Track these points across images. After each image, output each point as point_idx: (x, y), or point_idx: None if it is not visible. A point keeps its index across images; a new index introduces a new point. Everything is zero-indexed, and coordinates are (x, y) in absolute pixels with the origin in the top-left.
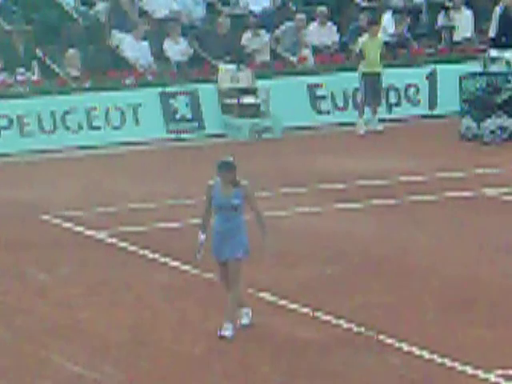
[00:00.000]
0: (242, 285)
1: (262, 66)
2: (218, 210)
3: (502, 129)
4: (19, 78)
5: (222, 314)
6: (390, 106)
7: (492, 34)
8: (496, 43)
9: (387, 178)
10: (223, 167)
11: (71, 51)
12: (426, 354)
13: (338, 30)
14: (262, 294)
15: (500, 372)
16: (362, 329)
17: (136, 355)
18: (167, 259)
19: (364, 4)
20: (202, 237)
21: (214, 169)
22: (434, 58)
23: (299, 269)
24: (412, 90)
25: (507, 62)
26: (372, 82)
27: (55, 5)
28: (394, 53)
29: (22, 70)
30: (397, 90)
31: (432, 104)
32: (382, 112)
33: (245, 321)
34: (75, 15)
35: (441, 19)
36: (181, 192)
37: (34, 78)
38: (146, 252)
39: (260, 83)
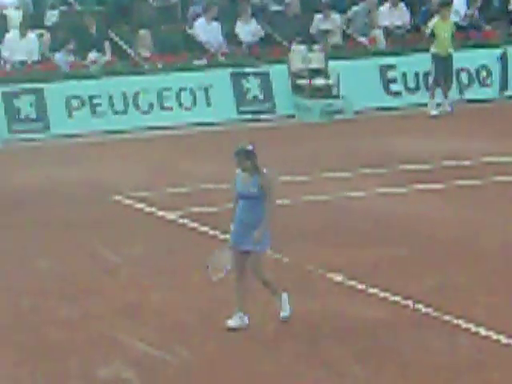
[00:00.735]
0: (312, 266)
1: (334, 47)
2: (239, 199)
3: None
4: (91, 58)
5: (291, 295)
6: (461, 88)
7: None
8: None
9: (459, 159)
10: (239, 154)
11: (143, 32)
12: (493, 335)
13: (410, 12)
14: (332, 275)
15: None
16: (432, 310)
17: (206, 336)
18: None
19: None
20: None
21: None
22: (506, 40)
23: (371, 250)
24: (483, 72)
25: None
26: (443, 63)
27: None
28: (466, 34)
29: (93, 50)
30: (468, 71)
31: (503, 86)
32: (453, 93)
33: (284, 313)
34: None
35: None
36: None
37: (106, 58)
38: (217, 233)
39: (331, 64)
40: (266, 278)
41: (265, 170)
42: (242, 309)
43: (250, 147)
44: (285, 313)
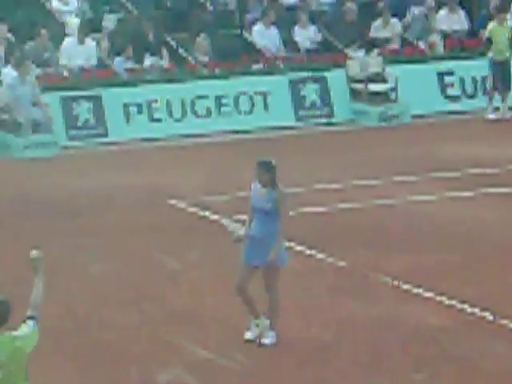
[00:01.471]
0: (371, 271)
1: (392, 53)
2: (253, 213)
3: None
4: (149, 64)
5: (350, 300)
6: None
7: None
8: None
9: None
10: (260, 166)
11: (200, 37)
12: None
13: (468, 16)
14: (389, 280)
15: None
16: (492, 315)
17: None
18: (294, 244)
19: None
20: (241, 232)
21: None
22: None
23: (430, 255)
24: None
25: None
26: (501, 68)
27: None
28: None
29: (151, 56)
30: None
31: None
32: (511, 99)
33: (268, 340)
34: (204, 1)
35: None
36: (310, 178)
37: (164, 64)
38: None
39: (389, 69)
40: (277, 295)
41: (280, 186)
42: (257, 316)
43: (271, 161)
44: (269, 339)
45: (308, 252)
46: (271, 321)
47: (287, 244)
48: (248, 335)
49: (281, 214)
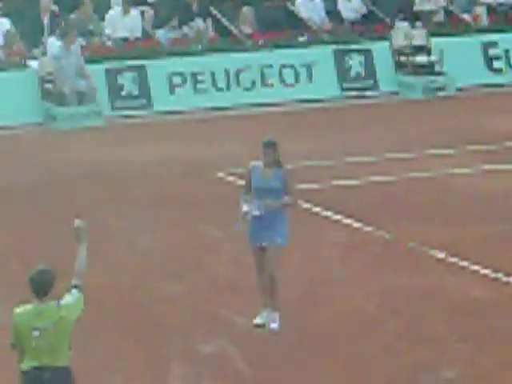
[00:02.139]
0: (415, 243)
1: (436, 25)
2: (256, 194)
3: None
4: (193, 35)
5: (393, 271)
6: None
7: None
8: None
9: None
10: (270, 144)
11: (245, 9)
12: None
13: None
14: (435, 252)
15: None
16: None
17: (308, 312)
18: (341, 217)
19: None
20: (245, 207)
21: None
22: None
23: (473, 227)
24: None
25: None
26: None
27: None
28: None
29: (196, 27)
30: None
31: None
32: None
33: (274, 325)
34: None
35: None
36: (355, 150)
37: (209, 35)
38: (320, 209)
39: (434, 41)
40: (277, 275)
41: (285, 165)
42: (268, 305)
43: (273, 138)
44: (275, 324)
45: (354, 225)
46: (275, 302)
47: (337, 217)
48: (257, 320)
49: (292, 192)
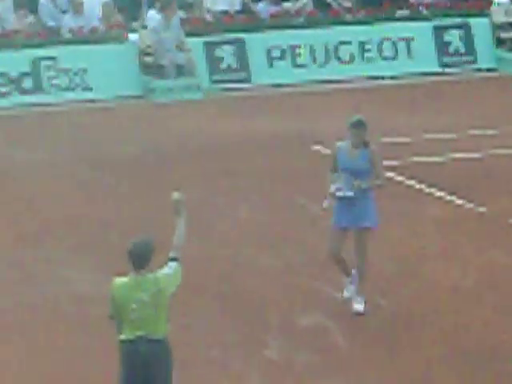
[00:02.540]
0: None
1: None
2: (345, 175)
3: None
4: (292, 8)
5: (492, 247)
6: None
7: None
8: None
9: None
10: (360, 125)
11: None
12: None
13: None
14: None
15: None
16: None
17: (405, 286)
18: (440, 192)
19: None
20: (333, 187)
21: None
22: None
23: None
24: None
25: None
26: None
27: None
28: None
29: (295, 1)
30: None
31: None
32: None
33: (360, 306)
34: None
35: None
36: (451, 126)
37: (308, 9)
38: (419, 184)
39: None
40: (367, 259)
41: (372, 144)
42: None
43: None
44: (359, 306)
45: (449, 198)
46: (360, 286)
47: (436, 192)
48: (346, 293)
49: (379, 172)
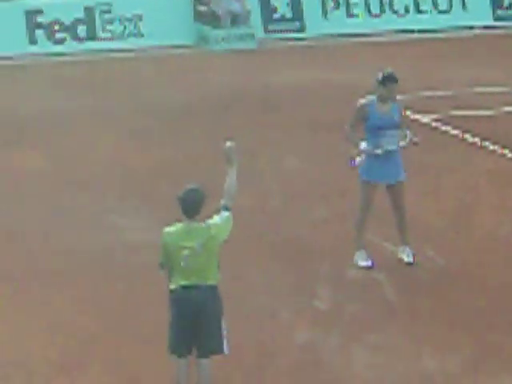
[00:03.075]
0: None
1: None
2: (377, 131)
3: None
4: None
5: None
6: None
7: None
8: None
9: None
10: (395, 80)
11: None
12: None
13: None
14: None
15: None
16: None
17: (456, 239)
18: (493, 145)
19: None
20: (363, 144)
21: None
22: None
23: None
24: None
25: None
26: None
27: None
28: None
29: None
30: None
31: None
32: None
33: (410, 258)
34: None
35: None
36: (508, 78)
37: None
38: (471, 137)
39: None
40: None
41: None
42: (402, 241)
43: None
44: (409, 258)
45: (501, 151)
46: (407, 236)
47: (488, 145)
48: (363, 262)
49: (407, 124)
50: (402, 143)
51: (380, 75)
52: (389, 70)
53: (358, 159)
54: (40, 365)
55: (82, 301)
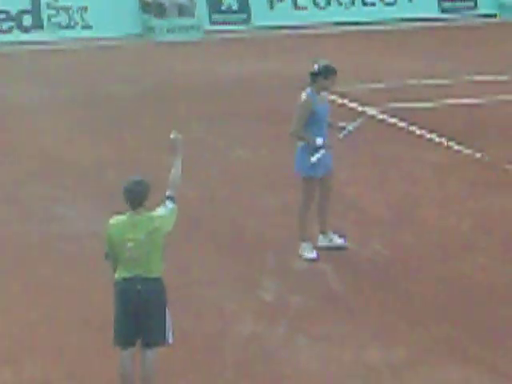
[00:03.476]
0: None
1: None
2: (321, 122)
3: None
4: None
5: (488, 193)
6: None
7: None
8: None
9: None
10: (335, 71)
11: None
12: None
13: None
14: None
15: None
16: None
17: (401, 232)
18: (439, 138)
19: None
20: (319, 139)
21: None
22: None
23: None
24: None
25: None
26: None
27: None
28: None
29: None
30: None
31: None
32: None
33: (341, 240)
34: None
35: None
36: (453, 70)
37: None
38: (415, 129)
39: None
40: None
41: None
42: (327, 229)
43: None
44: (342, 240)
45: (449, 145)
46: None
47: (431, 137)
48: (313, 254)
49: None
50: (349, 127)
51: (318, 67)
52: (325, 61)
53: (316, 156)
54: None
55: (29, 290)
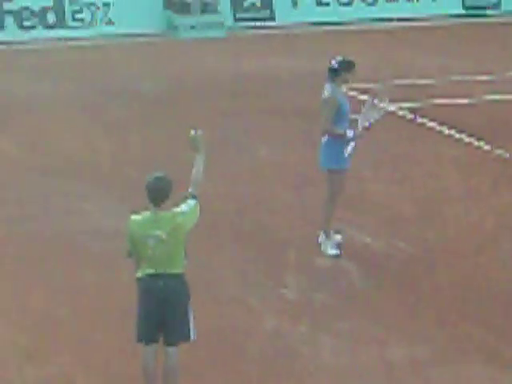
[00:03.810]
0: None
1: None
2: (346, 116)
3: None
4: None
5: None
6: None
7: None
8: None
9: None
10: (354, 64)
11: None
12: None
13: None
14: None
15: None
16: None
17: (424, 228)
18: (459, 134)
19: None
20: (349, 131)
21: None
22: None
23: None
24: None
25: None
26: None
27: None
28: None
29: None
30: None
31: None
32: None
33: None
34: None
35: None
36: (476, 68)
37: None
38: (438, 126)
39: None
40: None
41: None
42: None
43: None
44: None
45: (471, 142)
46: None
47: (455, 134)
48: (332, 252)
49: None
50: (371, 120)
51: (337, 62)
52: (343, 57)
53: (349, 148)
54: (9, 352)
55: (51, 287)
